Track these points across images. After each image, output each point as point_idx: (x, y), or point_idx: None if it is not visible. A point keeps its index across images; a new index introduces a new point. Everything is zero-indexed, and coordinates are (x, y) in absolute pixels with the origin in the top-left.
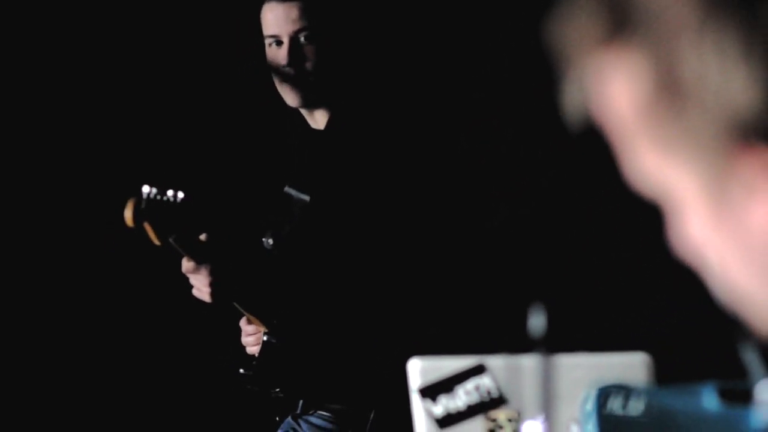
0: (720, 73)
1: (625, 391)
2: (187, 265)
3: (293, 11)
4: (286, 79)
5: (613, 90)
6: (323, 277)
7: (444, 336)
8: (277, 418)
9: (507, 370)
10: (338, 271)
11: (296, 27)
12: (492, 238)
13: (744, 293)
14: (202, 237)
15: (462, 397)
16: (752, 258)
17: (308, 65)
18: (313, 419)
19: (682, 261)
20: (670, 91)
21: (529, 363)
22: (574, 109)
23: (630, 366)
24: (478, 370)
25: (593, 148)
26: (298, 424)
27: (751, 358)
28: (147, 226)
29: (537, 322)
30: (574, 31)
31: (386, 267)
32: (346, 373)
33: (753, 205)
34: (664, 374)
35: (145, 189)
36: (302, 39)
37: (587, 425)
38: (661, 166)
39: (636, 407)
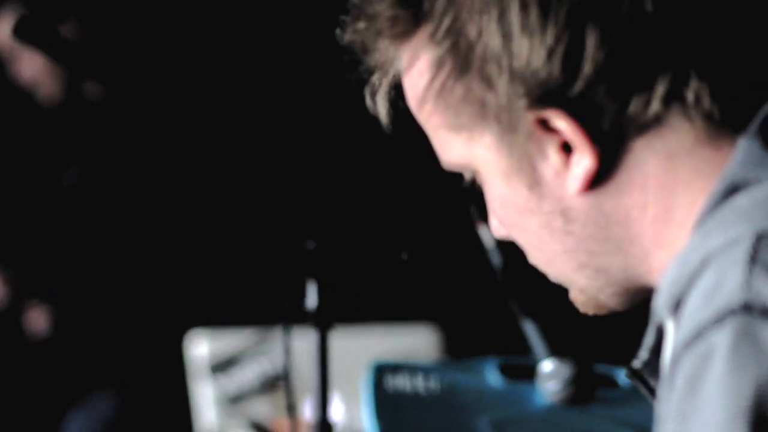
0: (505, 41)
1: (403, 368)
2: None
3: None
4: None
5: (409, 77)
6: (94, 248)
7: (224, 307)
8: None
9: (296, 344)
10: (110, 242)
11: None
12: (269, 210)
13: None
14: None
15: (248, 370)
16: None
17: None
18: (97, 404)
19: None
20: (459, 65)
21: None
22: (381, 105)
23: (418, 337)
24: (264, 342)
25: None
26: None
27: (533, 334)
28: None
29: (312, 296)
30: (374, 26)
31: (159, 237)
32: (120, 348)
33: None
34: (452, 346)
35: None
36: None
37: (365, 404)
38: (460, 141)
39: (415, 384)
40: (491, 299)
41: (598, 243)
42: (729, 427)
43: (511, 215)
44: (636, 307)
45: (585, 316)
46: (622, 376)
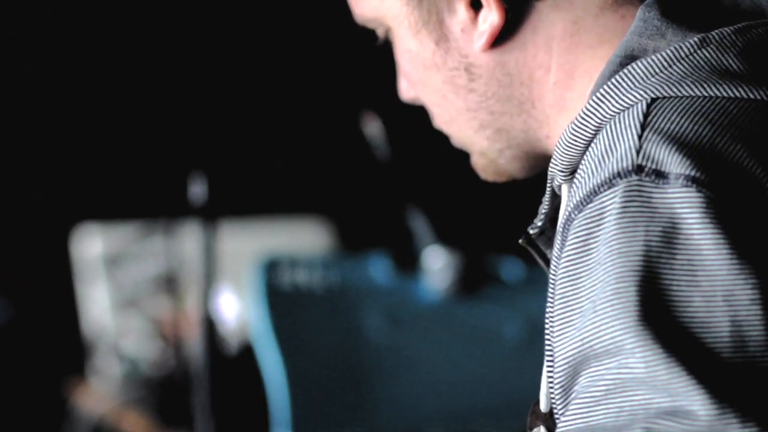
0: None
1: (293, 262)
2: None
3: None
4: None
5: None
6: None
7: (109, 201)
8: None
9: (187, 238)
10: None
11: None
12: (157, 102)
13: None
14: None
15: (142, 266)
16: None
17: None
18: None
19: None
20: None
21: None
22: None
23: (307, 230)
24: (157, 236)
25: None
26: None
27: (419, 223)
28: None
29: (197, 188)
30: None
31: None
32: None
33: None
34: (341, 238)
35: None
36: None
37: (255, 299)
38: None
39: (305, 279)
40: (379, 191)
41: (501, 102)
42: (619, 285)
43: (418, 71)
44: (522, 196)
45: (472, 206)
46: (509, 267)
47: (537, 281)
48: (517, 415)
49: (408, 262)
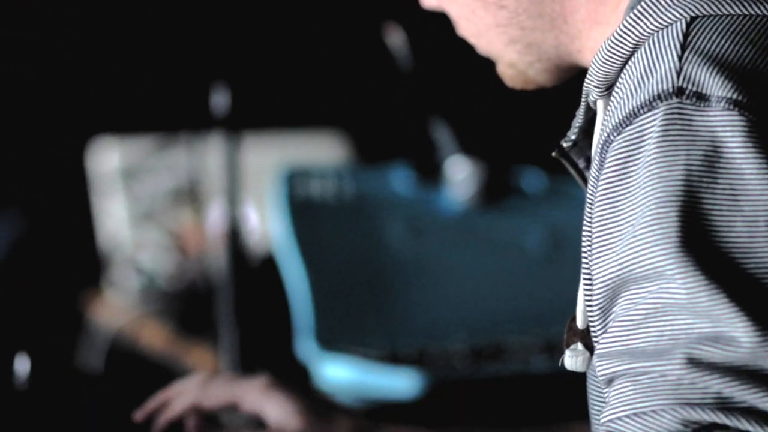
0: None
1: (315, 173)
2: None
3: None
4: None
5: None
6: None
7: (128, 113)
8: None
9: (208, 150)
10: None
11: None
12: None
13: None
14: None
15: (159, 179)
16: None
17: None
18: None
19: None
20: None
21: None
22: None
23: (325, 143)
24: (175, 148)
25: None
26: None
27: (441, 133)
28: None
29: (220, 99)
30: None
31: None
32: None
33: None
34: (360, 150)
35: None
36: None
37: (277, 210)
38: None
39: (327, 190)
40: (401, 102)
41: (532, 18)
42: (659, 209)
43: None
44: (545, 107)
45: (495, 116)
46: (532, 178)
47: (559, 193)
48: (537, 324)
49: (430, 172)
